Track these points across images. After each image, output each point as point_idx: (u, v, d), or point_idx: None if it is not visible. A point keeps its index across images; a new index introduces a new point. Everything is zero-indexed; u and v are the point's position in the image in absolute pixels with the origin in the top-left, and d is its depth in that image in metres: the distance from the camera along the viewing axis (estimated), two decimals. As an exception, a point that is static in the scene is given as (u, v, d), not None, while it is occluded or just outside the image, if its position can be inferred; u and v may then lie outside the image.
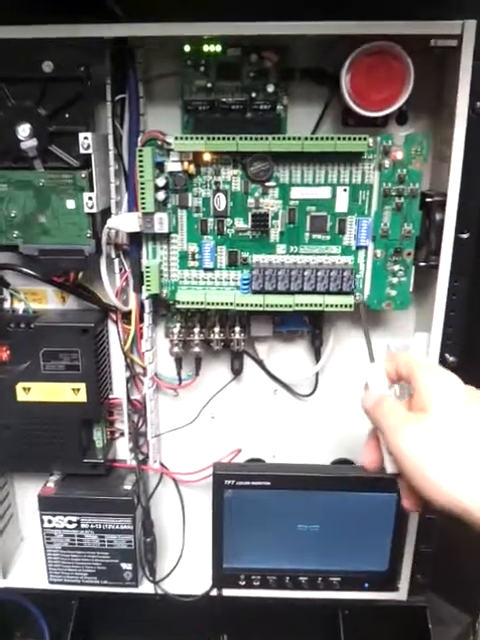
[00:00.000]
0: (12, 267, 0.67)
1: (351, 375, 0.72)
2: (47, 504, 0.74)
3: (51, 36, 0.55)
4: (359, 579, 0.75)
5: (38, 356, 0.67)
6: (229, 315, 0.68)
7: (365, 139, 0.58)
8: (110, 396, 0.74)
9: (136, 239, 0.64)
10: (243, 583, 0.75)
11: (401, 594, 0.77)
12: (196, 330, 0.68)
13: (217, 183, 0.61)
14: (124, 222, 0.62)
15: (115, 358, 0.73)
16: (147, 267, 0.64)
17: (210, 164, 0.61)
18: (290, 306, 0.62)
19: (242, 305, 0.63)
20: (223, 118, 0.61)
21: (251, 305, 0.63)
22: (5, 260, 0.68)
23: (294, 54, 0.60)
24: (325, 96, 0.62)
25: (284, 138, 0.58)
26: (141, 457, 0.76)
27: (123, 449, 0.77)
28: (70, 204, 0.61)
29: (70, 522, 0.74)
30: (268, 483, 0.70)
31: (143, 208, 0.61)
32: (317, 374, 0.73)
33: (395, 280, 0.64)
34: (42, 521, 0.74)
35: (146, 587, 0.78)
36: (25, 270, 0.66)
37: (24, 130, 0.59)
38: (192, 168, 0.60)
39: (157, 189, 0.61)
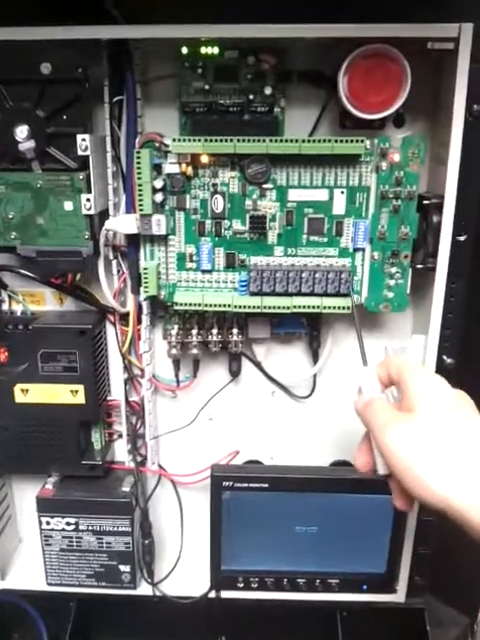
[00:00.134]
0: (10, 268, 0.67)
1: (349, 377, 0.72)
2: (45, 506, 0.74)
3: (49, 38, 0.55)
4: (357, 581, 0.75)
5: (36, 358, 0.67)
6: (227, 317, 0.69)
7: (362, 141, 0.58)
8: (108, 398, 0.74)
9: (134, 241, 0.65)
10: (241, 585, 0.75)
11: (399, 596, 0.77)
12: (194, 332, 0.68)
13: (215, 185, 0.61)
14: (122, 224, 0.63)
15: (113, 360, 0.73)
16: (145, 269, 0.64)
17: (208, 166, 0.61)
18: (288, 308, 0.63)
19: (240, 307, 0.63)
20: (220, 120, 0.61)
21: (249, 307, 0.63)
22: (3, 262, 0.68)
23: (292, 56, 0.60)
24: (322, 98, 0.62)
25: (281, 140, 0.58)
26: (139, 459, 0.76)
27: (121, 451, 0.77)
28: (68, 206, 0.61)
29: (68, 524, 0.74)
30: (266, 485, 0.70)
31: (141, 210, 0.61)
32: (315, 376, 0.73)
33: (392, 282, 0.64)
34: (40, 523, 0.74)
35: (144, 589, 0.78)
36: (23, 272, 0.66)
37: (22, 131, 0.59)
38: (190, 170, 0.60)
39: (155, 191, 0.61)
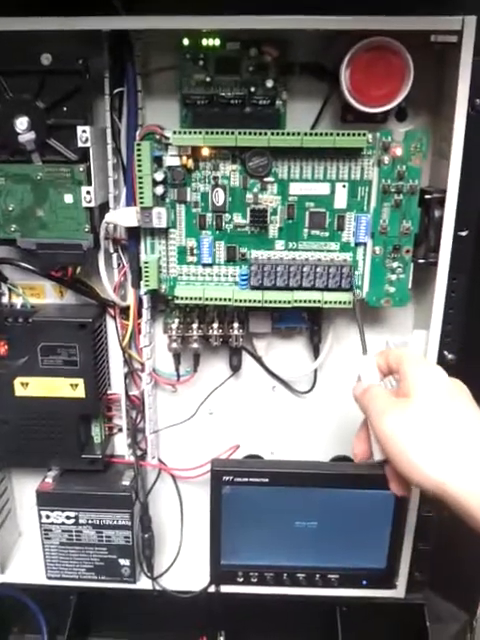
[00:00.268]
0: (10, 261, 0.67)
1: (350, 372, 0.72)
2: (45, 499, 0.74)
3: (49, 28, 0.54)
4: (357, 576, 0.75)
5: (36, 351, 0.67)
6: (228, 311, 0.68)
7: (364, 135, 0.58)
8: (108, 392, 0.74)
9: (134, 234, 0.64)
10: (241, 580, 0.75)
11: (399, 591, 0.76)
12: (194, 326, 0.68)
13: (216, 178, 0.61)
14: (122, 217, 0.62)
15: (113, 354, 0.73)
16: (145, 262, 0.64)
17: (209, 159, 0.60)
18: (289, 302, 0.62)
19: (241, 301, 0.63)
20: (222, 113, 0.61)
21: (250, 301, 0.63)
22: (3, 254, 0.67)
23: (294, 49, 0.60)
24: (324, 91, 0.62)
25: (283, 133, 0.58)
26: (139, 453, 0.75)
27: (121, 445, 0.77)
28: (68, 198, 0.61)
29: (68, 517, 0.74)
30: (266, 480, 0.70)
31: (141, 203, 0.60)
32: (316, 371, 0.73)
33: (394, 277, 0.63)
34: (40, 516, 0.74)
35: (144, 583, 0.78)
36: (23, 264, 0.66)
37: (22, 123, 0.58)
38: (190, 163, 0.60)
39: (155, 184, 0.60)
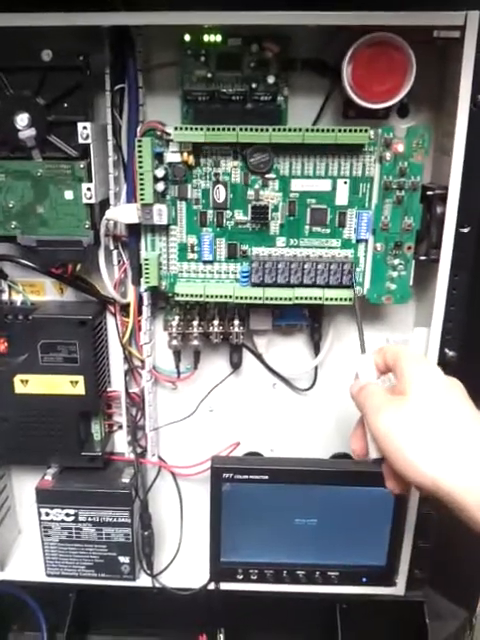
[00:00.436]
0: (10, 258, 0.67)
1: (350, 369, 0.72)
2: (45, 497, 0.73)
3: (50, 24, 0.54)
4: (357, 574, 0.75)
5: (36, 348, 0.67)
6: (228, 308, 0.68)
7: (366, 131, 0.57)
8: (108, 389, 0.74)
9: (135, 231, 0.64)
10: (241, 577, 0.75)
11: (399, 589, 0.77)
12: (195, 323, 0.68)
13: (217, 174, 0.61)
14: (123, 213, 0.62)
15: (113, 351, 0.73)
16: (146, 259, 0.63)
17: (210, 155, 0.60)
18: (289, 299, 0.62)
19: (241, 298, 0.63)
20: (223, 109, 0.60)
21: (250, 298, 0.63)
22: (3, 251, 0.67)
23: (295, 45, 0.60)
24: (326, 87, 0.62)
25: (284, 129, 0.57)
26: (139, 450, 0.75)
27: (121, 442, 0.77)
28: (68, 195, 0.61)
29: (68, 515, 0.74)
30: (266, 477, 0.70)
31: (142, 199, 0.60)
32: (316, 368, 0.73)
33: (395, 274, 0.63)
34: (40, 514, 0.74)
35: (144, 580, 0.78)
36: (23, 261, 0.66)
37: (22, 119, 0.58)
38: (191, 159, 0.60)
39: (156, 180, 0.60)
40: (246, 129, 0.57)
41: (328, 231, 0.62)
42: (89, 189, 0.60)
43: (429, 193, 0.60)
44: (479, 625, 0.78)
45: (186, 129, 0.58)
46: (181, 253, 0.64)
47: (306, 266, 0.62)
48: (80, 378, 0.68)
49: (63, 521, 0.74)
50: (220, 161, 0.60)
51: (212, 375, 0.74)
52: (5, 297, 0.70)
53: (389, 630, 0.80)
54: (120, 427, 0.76)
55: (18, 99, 0.58)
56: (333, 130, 0.57)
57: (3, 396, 0.69)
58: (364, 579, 0.76)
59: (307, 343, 0.73)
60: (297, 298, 0.62)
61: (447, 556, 0.76)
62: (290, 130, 0.57)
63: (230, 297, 0.63)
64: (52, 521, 0.74)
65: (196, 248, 0.64)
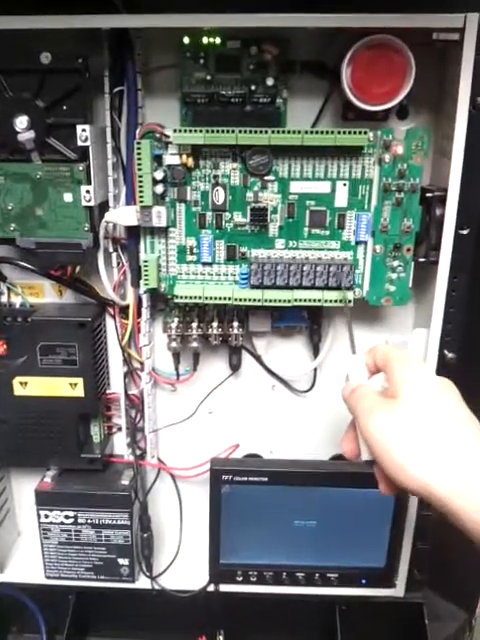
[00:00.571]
0: (9, 260, 0.67)
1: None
2: (44, 499, 0.73)
3: (49, 27, 0.54)
4: (356, 575, 0.75)
5: (35, 350, 0.67)
6: (227, 310, 0.68)
7: (365, 133, 0.57)
8: (107, 391, 0.74)
9: (134, 233, 0.64)
10: (240, 579, 0.75)
11: (398, 590, 0.77)
12: (194, 325, 0.68)
13: (216, 177, 0.61)
14: (122, 216, 0.62)
15: (113, 353, 0.73)
16: (145, 261, 0.63)
17: (209, 157, 0.60)
18: (289, 301, 0.62)
19: (240, 300, 0.63)
20: (222, 111, 0.61)
21: (249, 300, 0.63)
22: (2, 253, 0.67)
23: (294, 47, 0.60)
24: (325, 89, 0.62)
25: (284, 131, 0.57)
26: (138, 452, 0.75)
27: (120, 444, 0.77)
28: (67, 197, 0.61)
29: (67, 517, 0.74)
30: (265, 479, 0.70)
31: (141, 201, 0.60)
32: (315, 370, 0.73)
33: (394, 276, 0.63)
34: (39, 516, 0.74)
35: (143, 582, 0.78)
36: (22, 263, 0.66)
37: (22, 122, 0.58)
38: (191, 161, 0.60)
39: (155, 182, 0.60)
40: (245, 131, 0.57)
41: (327, 233, 0.62)
42: (88, 191, 0.60)
43: (428, 195, 0.60)
44: (478, 626, 0.78)
45: (185, 131, 0.58)
46: (180, 255, 0.64)
47: (305, 268, 0.62)
48: (79, 380, 0.68)
49: (62, 523, 0.74)
50: (219, 163, 0.60)
51: (211, 377, 0.74)
52: (4, 299, 0.70)
53: (388, 632, 0.80)
54: (119, 429, 0.76)
55: (17, 101, 0.58)
56: (332, 132, 0.57)
57: (2, 398, 0.69)
58: (363, 581, 0.76)
59: (306, 345, 0.73)
60: (296, 300, 0.62)
61: (446, 557, 0.76)
62: (289, 132, 0.57)
63: (229, 299, 0.63)
64: (51, 523, 0.74)
65: (195, 250, 0.64)
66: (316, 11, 0.53)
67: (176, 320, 0.68)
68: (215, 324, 0.68)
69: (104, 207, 0.63)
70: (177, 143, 0.59)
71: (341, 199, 0.61)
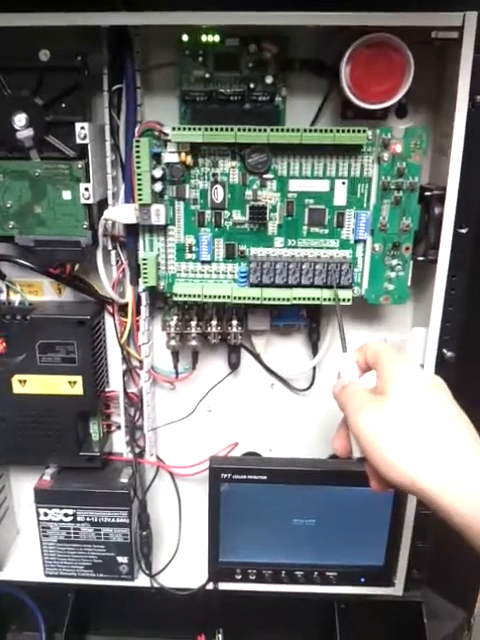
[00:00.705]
0: (8, 258, 0.67)
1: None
2: (43, 497, 0.73)
3: (48, 24, 0.54)
4: (355, 574, 0.75)
5: (34, 348, 0.67)
6: (226, 308, 0.68)
7: (364, 132, 0.57)
8: (106, 389, 0.74)
9: (133, 231, 0.64)
10: (239, 577, 0.75)
11: (397, 589, 0.77)
12: (193, 323, 0.68)
13: (215, 175, 0.61)
14: (121, 213, 0.62)
15: (112, 351, 0.73)
16: (144, 259, 0.63)
17: (208, 155, 0.60)
18: (288, 299, 0.62)
19: (239, 298, 0.63)
20: (221, 109, 0.60)
21: (248, 298, 0.63)
22: (1, 251, 0.67)
23: (294, 45, 0.60)
24: (324, 88, 0.62)
25: (282, 130, 0.57)
26: (137, 450, 0.75)
27: (119, 442, 0.77)
28: (66, 195, 0.61)
29: (66, 515, 0.74)
30: (264, 477, 0.70)
31: (140, 199, 0.60)
32: (314, 368, 0.73)
33: (393, 274, 0.63)
34: (38, 514, 0.74)
35: (142, 580, 0.78)
36: (21, 261, 0.66)
37: (20, 120, 0.58)
38: (189, 159, 0.60)
39: (154, 180, 0.60)
40: (244, 129, 0.57)
41: (326, 231, 0.62)
42: (87, 189, 0.60)
43: (427, 194, 0.60)
44: (477, 625, 0.78)
45: (184, 129, 0.58)
46: (179, 253, 0.64)
47: (304, 266, 0.62)
48: (78, 378, 0.68)
49: (61, 521, 0.74)
50: (218, 161, 0.60)
51: (210, 375, 0.74)
52: (3, 297, 0.70)
53: (387, 630, 0.80)
54: (118, 427, 0.76)
55: (16, 99, 0.58)
56: (331, 130, 0.57)
57: (1, 396, 0.69)
58: (362, 579, 0.76)
59: (305, 343, 0.73)
60: (295, 298, 0.62)
61: (445, 556, 0.76)
62: (288, 130, 0.57)
63: (228, 297, 0.63)
64: (50, 521, 0.74)
65: (194, 248, 0.64)
66: (315, 9, 0.53)
67: (175, 318, 0.68)
68: (214, 322, 0.68)
69: (103, 205, 0.63)
70: (176, 141, 0.59)
71: (340, 197, 0.61)
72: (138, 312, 0.68)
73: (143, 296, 0.67)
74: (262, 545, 0.74)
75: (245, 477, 0.70)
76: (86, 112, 0.59)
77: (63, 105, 0.58)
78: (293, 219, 0.62)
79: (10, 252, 0.67)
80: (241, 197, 0.61)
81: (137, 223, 0.62)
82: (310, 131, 0.57)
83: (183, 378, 0.73)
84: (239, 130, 0.57)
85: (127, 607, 0.82)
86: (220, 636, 0.80)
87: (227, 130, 0.57)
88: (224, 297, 0.63)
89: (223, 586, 0.77)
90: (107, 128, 0.62)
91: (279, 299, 0.62)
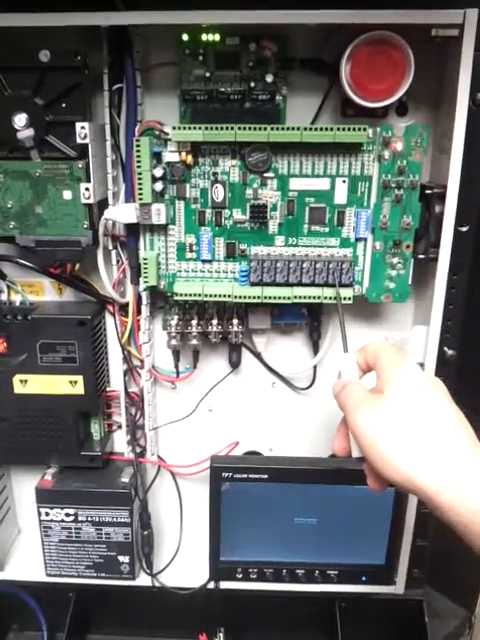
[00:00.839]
0: (9, 258, 0.67)
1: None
2: (44, 496, 0.73)
3: (48, 24, 0.54)
4: (356, 572, 0.75)
5: (35, 348, 0.67)
6: (227, 307, 0.68)
7: (365, 130, 0.57)
8: (107, 389, 0.74)
9: (133, 230, 0.64)
10: (240, 576, 0.75)
11: (398, 588, 0.77)
12: (194, 322, 0.68)
13: (215, 174, 0.61)
14: (121, 213, 0.62)
15: (112, 350, 0.73)
16: (144, 259, 0.63)
17: (208, 154, 0.60)
18: (288, 298, 0.62)
19: (240, 297, 0.63)
20: (221, 108, 0.61)
21: (249, 297, 0.63)
22: (2, 251, 0.67)
23: (294, 43, 0.60)
24: (324, 86, 0.62)
25: (283, 128, 0.57)
26: (138, 450, 0.75)
27: (120, 442, 0.77)
28: (67, 194, 0.61)
29: (67, 515, 0.74)
30: (265, 476, 0.70)
31: (140, 199, 0.60)
32: (315, 367, 0.73)
33: (394, 273, 0.63)
34: (39, 513, 0.74)
35: (143, 580, 0.78)
36: (22, 261, 0.66)
37: (21, 120, 0.58)
38: (190, 158, 0.60)
39: (154, 180, 0.60)
40: (244, 128, 0.57)
41: (327, 230, 0.62)
42: (87, 189, 0.60)
43: (428, 192, 0.60)
44: (478, 623, 0.78)
45: (184, 128, 0.58)
46: (180, 252, 0.64)
47: (305, 265, 0.62)
48: (79, 378, 0.68)
49: (63, 521, 0.74)
50: (218, 160, 0.60)
51: (211, 374, 0.74)
52: (4, 297, 0.70)
53: (388, 629, 0.80)
54: (119, 427, 0.76)
55: (16, 99, 0.58)
56: (331, 129, 0.57)
57: (2, 396, 0.69)
58: (363, 578, 0.76)
59: (306, 342, 0.73)
60: (296, 297, 0.62)
61: (446, 555, 0.76)
62: (288, 129, 0.57)
63: (229, 296, 0.63)
64: (52, 521, 0.74)
65: (195, 247, 0.64)
66: (315, 7, 0.53)
67: (176, 318, 0.68)
68: (215, 321, 0.68)
69: (103, 204, 0.63)
70: (176, 140, 0.59)
71: (340, 196, 0.61)
72: (139, 311, 0.68)
73: (144, 295, 0.67)
74: (263, 544, 0.74)
75: (246, 476, 0.70)
76: (86, 112, 0.59)
77: (63, 105, 0.58)
78: (294, 218, 0.62)
79: (11, 252, 0.67)
80: (241, 196, 0.61)
81: (138, 222, 0.62)
82: (310, 129, 0.57)
83: (184, 377, 0.73)
84: (239, 129, 0.57)
85: (128, 606, 0.82)
86: (221, 635, 0.80)
87: (227, 129, 0.57)
88: (225, 296, 0.63)
89: (224, 585, 0.77)
90: (107, 128, 0.62)
91: (280, 298, 0.62)
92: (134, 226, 0.63)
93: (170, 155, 0.60)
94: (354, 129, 0.57)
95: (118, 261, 0.67)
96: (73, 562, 0.76)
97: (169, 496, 0.79)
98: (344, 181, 0.61)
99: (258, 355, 0.73)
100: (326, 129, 0.57)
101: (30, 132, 0.58)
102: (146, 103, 0.63)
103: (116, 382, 0.74)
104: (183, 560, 0.79)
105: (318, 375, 0.73)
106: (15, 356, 0.68)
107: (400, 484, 0.43)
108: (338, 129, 0.57)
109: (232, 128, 0.57)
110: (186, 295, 0.63)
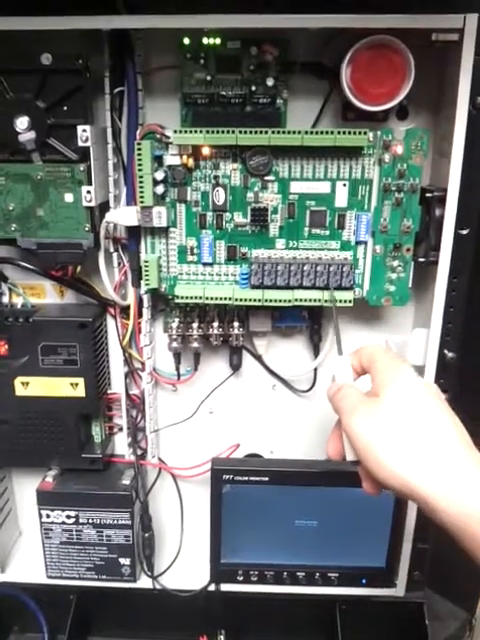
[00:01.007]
0: (10, 261, 0.67)
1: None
2: (45, 499, 0.73)
3: (49, 28, 0.54)
4: (357, 575, 0.75)
5: (36, 350, 0.67)
6: (228, 310, 0.68)
7: (365, 133, 0.57)
8: (108, 391, 0.74)
9: (135, 233, 0.64)
10: (241, 578, 0.75)
11: (398, 590, 0.77)
12: (195, 325, 0.68)
13: (216, 177, 0.61)
14: (123, 216, 0.62)
15: (113, 353, 0.73)
16: (146, 261, 0.63)
17: (209, 158, 0.60)
18: (289, 301, 0.62)
19: (241, 300, 0.63)
20: (222, 111, 0.61)
21: (250, 300, 0.63)
22: (3, 254, 0.67)
23: (294, 47, 0.60)
24: (325, 90, 0.62)
25: (284, 132, 0.57)
26: (139, 452, 0.75)
27: (121, 444, 0.77)
28: (68, 197, 0.61)
29: (68, 517, 0.74)
30: (266, 478, 0.70)
31: (142, 202, 0.60)
32: (316, 370, 0.73)
33: (394, 276, 0.64)
34: (40, 516, 0.74)
35: (144, 582, 0.78)
36: (23, 264, 0.66)
37: (22, 123, 0.58)
38: (191, 162, 0.60)
39: (156, 183, 0.60)
40: (245, 132, 0.57)
41: (327, 233, 0.63)
42: (89, 192, 0.60)
43: (428, 195, 0.60)
44: (479, 626, 0.78)
45: (185, 132, 0.58)
46: (181, 255, 0.64)
47: (305, 268, 0.62)
48: (80, 380, 0.68)
49: (64, 523, 0.74)
50: (219, 163, 0.61)
51: (212, 377, 0.74)
52: (5, 300, 0.70)
53: (389, 631, 0.80)
54: (120, 429, 0.76)
55: (18, 102, 0.58)
56: (332, 132, 0.57)
57: (4, 398, 0.69)
58: (364, 580, 0.76)
59: (307, 345, 0.73)
60: (296, 300, 0.62)
61: (446, 557, 0.76)
62: (289, 132, 0.57)
63: (230, 299, 0.63)
64: (53, 523, 0.74)
65: (196, 250, 0.64)
66: (316, 12, 0.53)
67: (177, 320, 0.68)
68: (216, 324, 0.68)
69: (105, 207, 0.64)
70: (177, 144, 0.59)
71: (341, 199, 0.61)
72: (140, 314, 0.69)
73: (145, 298, 0.67)
74: (264, 546, 0.74)
75: (247, 479, 0.70)
76: (88, 115, 0.59)
77: (65, 108, 0.59)
78: (294, 221, 0.62)
79: (12, 255, 0.67)
80: (242, 199, 0.62)
81: (139, 225, 0.63)
82: (311, 133, 0.57)
83: (185, 380, 0.73)
84: (240, 132, 0.57)
85: (129, 609, 0.82)
86: (222, 637, 0.80)
87: (228, 132, 0.57)
88: (226, 299, 0.63)
89: (225, 587, 0.77)
90: (109, 131, 0.62)
91: (280, 301, 0.62)
92: (135, 229, 0.64)
93: (171, 158, 0.60)
94: (355, 133, 0.57)
95: (119, 264, 0.67)
96: (74, 564, 0.76)
97: (170, 498, 0.79)
98: (345, 184, 0.61)
99: (259, 358, 0.73)
100: (327, 133, 0.57)
101: (32, 135, 0.59)
102: (147, 106, 0.63)
103: (117, 384, 0.74)
104: (184, 562, 0.79)
105: (319, 378, 0.73)
106: (16, 358, 0.68)
107: (395, 488, 0.43)
108: (339, 133, 0.57)
109: (233, 131, 0.57)
110: (187, 298, 0.64)
